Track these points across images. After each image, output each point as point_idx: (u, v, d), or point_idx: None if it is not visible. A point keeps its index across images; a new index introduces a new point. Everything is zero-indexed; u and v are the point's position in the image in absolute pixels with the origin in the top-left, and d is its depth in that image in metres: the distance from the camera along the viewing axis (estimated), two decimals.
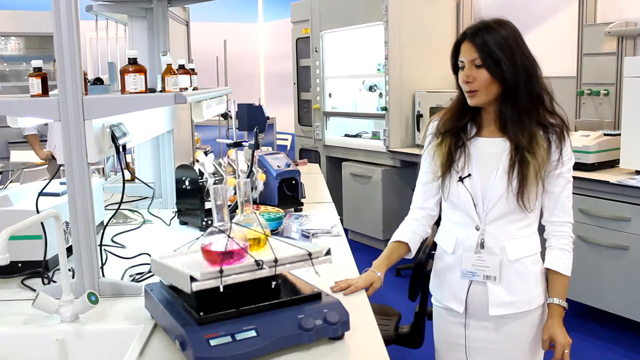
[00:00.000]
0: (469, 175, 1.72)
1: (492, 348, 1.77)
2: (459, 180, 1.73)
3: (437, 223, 1.91)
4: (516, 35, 1.68)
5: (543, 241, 1.78)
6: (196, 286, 1.25)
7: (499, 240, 1.72)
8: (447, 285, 1.82)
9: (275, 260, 1.33)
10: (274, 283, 1.38)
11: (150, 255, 1.93)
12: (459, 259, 1.77)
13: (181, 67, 2.12)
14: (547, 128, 1.70)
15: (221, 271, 1.27)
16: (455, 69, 1.73)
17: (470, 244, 1.74)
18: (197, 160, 2.53)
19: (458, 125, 1.75)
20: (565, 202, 1.73)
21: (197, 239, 1.56)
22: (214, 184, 2.45)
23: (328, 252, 1.42)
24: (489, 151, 1.72)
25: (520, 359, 1.78)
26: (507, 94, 1.67)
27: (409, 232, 1.86)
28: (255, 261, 1.30)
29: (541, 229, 1.78)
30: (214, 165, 2.50)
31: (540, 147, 1.66)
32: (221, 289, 1.27)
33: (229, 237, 1.33)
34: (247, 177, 2.55)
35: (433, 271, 1.90)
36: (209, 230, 1.39)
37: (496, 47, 1.63)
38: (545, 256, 1.76)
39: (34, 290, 1.74)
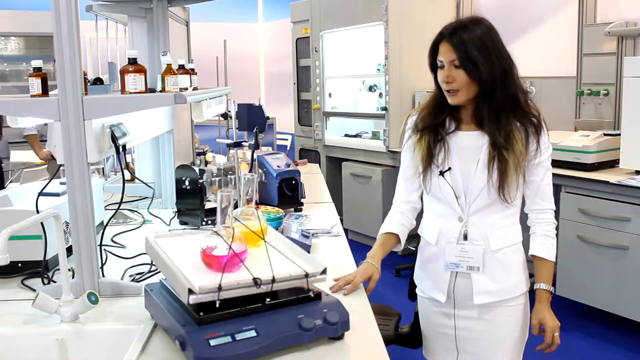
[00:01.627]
0: (449, 168, 1.76)
1: (479, 337, 1.81)
2: (439, 174, 1.76)
3: (420, 215, 1.94)
4: (492, 34, 1.69)
5: (525, 230, 1.82)
6: (193, 299, 1.26)
7: (482, 231, 1.75)
8: (430, 276, 1.86)
9: (273, 279, 1.34)
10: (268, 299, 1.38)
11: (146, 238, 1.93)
12: (441, 250, 1.80)
13: (181, 67, 2.12)
14: (524, 120, 1.73)
15: (220, 288, 1.27)
16: (433, 67, 1.76)
17: (453, 235, 1.77)
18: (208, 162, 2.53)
19: (436, 122, 1.79)
20: (546, 190, 1.78)
21: (194, 228, 1.56)
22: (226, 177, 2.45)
23: (324, 272, 1.42)
24: (468, 145, 1.76)
25: (507, 346, 1.81)
26: (484, 93, 1.70)
27: (398, 225, 1.89)
28: (254, 279, 1.31)
29: (523, 218, 1.82)
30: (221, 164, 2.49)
31: (518, 142, 1.69)
32: (217, 305, 1.28)
33: (229, 246, 1.34)
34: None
35: (417, 262, 1.94)
36: (210, 231, 1.39)
37: (473, 48, 1.65)
38: (529, 243, 1.81)
39: (34, 290, 1.74)
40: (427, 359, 1.96)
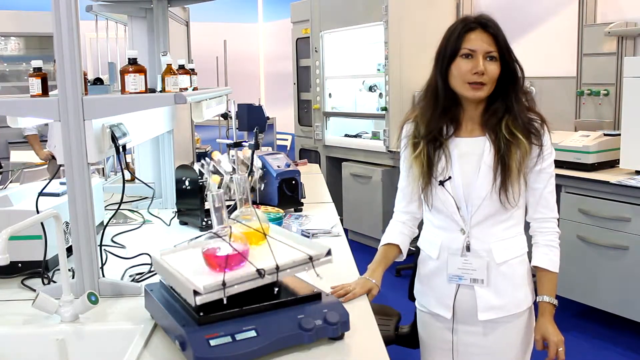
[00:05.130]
0: (450, 178, 1.69)
1: (481, 353, 1.75)
2: (439, 184, 1.69)
3: (420, 224, 1.89)
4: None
5: (529, 239, 1.76)
6: (200, 300, 1.26)
7: (486, 243, 1.69)
8: (432, 291, 1.79)
9: (277, 267, 1.33)
10: (276, 289, 1.38)
11: (150, 256, 1.93)
12: (444, 264, 1.73)
13: (181, 67, 2.12)
14: (527, 124, 1.67)
15: (224, 284, 1.27)
16: (451, 58, 1.65)
17: (456, 247, 1.71)
18: (213, 159, 2.53)
19: (440, 126, 1.69)
20: (549, 198, 1.71)
21: (197, 237, 1.56)
22: (229, 181, 2.45)
23: (329, 253, 1.42)
24: (469, 151, 1.69)
25: None
26: (500, 91, 1.65)
27: (398, 234, 1.83)
28: (257, 270, 1.31)
29: (526, 227, 1.76)
30: (229, 163, 2.49)
31: (521, 142, 1.64)
32: (224, 301, 1.28)
33: (229, 244, 1.33)
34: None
35: (417, 277, 1.87)
36: (209, 234, 1.39)
37: (506, 42, 1.63)
38: (532, 254, 1.74)
39: (34, 290, 1.74)
40: None
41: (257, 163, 2.58)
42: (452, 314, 1.74)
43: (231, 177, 2.48)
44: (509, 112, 1.66)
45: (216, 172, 2.49)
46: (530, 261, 1.76)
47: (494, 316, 1.70)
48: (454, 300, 1.73)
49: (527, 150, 1.64)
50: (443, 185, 1.69)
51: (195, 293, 1.26)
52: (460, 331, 1.76)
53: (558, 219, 1.75)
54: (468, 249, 1.69)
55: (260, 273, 1.31)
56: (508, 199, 1.64)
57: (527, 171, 1.67)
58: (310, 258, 1.39)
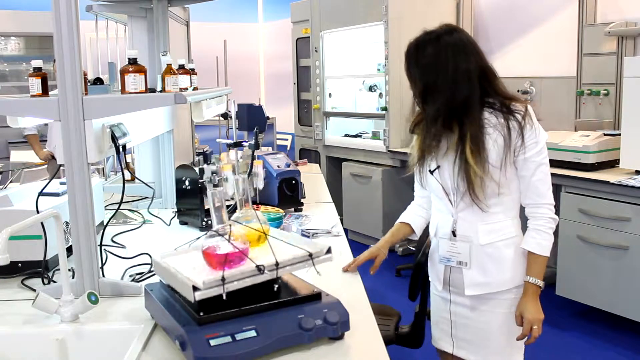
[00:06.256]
0: (438, 167, 1.80)
1: (472, 325, 1.85)
2: (430, 172, 1.82)
3: None
4: (440, 49, 1.70)
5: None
6: (199, 295, 1.26)
7: (473, 225, 1.78)
8: (432, 264, 1.96)
9: (277, 264, 1.33)
10: (276, 286, 1.39)
11: (150, 256, 1.94)
12: (438, 243, 1.89)
13: (181, 67, 2.12)
14: (508, 115, 1.71)
15: (223, 279, 1.27)
16: None
17: (445, 231, 1.84)
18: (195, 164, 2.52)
19: (421, 119, 1.83)
20: (539, 186, 1.76)
21: (198, 238, 1.56)
22: (214, 186, 2.45)
23: (329, 251, 1.42)
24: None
25: (499, 337, 1.83)
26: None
27: (412, 215, 2.01)
28: (257, 266, 1.31)
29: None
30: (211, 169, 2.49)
31: (482, 149, 1.69)
32: (224, 297, 1.28)
33: (229, 241, 1.33)
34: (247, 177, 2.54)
35: (430, 250, 2.01)
36: (209, 233, 1.39)
37: (412, 66, 1.74)
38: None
39: (34, 290, 1.75)
40: (434, 346, 2.02)
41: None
42: (447, 287, 1.88)
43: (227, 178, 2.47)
44: (443, 119, 1.72)
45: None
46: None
47: (479, 292, 1.81)
48: (449, 275, 1.87)
49: (503, 145, 1.70)
50: (432, 174, 1.81)
51: (195, 289, 1.26)
52: (454, 302, 1.88)
53: (555, 206, 1.80)
54: (454, 234, 1.81)
55: (259, 269, 1.31)
56: (477, 202, 1.73)
57: (515, 159, 1.73)
58: (310, 255, 1.39)
